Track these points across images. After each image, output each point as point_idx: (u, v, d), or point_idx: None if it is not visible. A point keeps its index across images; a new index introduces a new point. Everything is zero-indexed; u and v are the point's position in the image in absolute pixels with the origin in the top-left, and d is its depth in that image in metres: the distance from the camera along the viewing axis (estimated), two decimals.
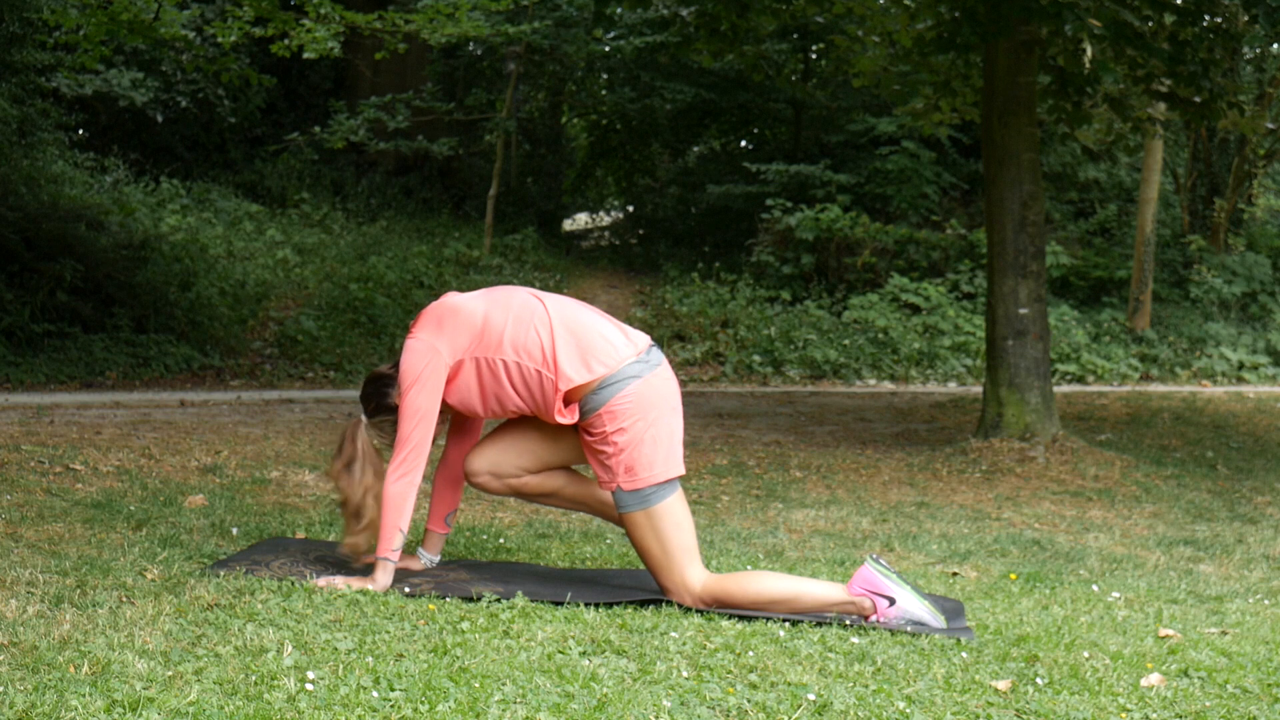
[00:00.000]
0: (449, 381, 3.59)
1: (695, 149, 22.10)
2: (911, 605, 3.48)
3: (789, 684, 2.83)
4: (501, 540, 4.57)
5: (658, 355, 3.64)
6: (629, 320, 14.78)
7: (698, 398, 10.92)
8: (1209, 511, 6.43)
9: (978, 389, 11.94)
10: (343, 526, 3.79)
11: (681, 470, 3.59)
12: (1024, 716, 2.76)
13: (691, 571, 3.52)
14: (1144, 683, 3.04)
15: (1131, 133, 10.61)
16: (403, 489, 3.55)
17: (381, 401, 3.69)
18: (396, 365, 3.69)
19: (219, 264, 13.00)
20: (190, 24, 12.89)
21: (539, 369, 3.53)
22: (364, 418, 3.72)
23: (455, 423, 3.89)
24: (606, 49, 18.77)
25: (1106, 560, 4.98)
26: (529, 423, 3.77)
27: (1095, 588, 4.36)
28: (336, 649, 2.87)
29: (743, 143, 21.18)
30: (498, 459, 3.77)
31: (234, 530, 4.31)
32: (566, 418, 3.56)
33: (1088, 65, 7.83)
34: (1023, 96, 8.07)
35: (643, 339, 3.65)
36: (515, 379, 3.56)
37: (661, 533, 3.51)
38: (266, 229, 15.14)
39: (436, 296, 3.86)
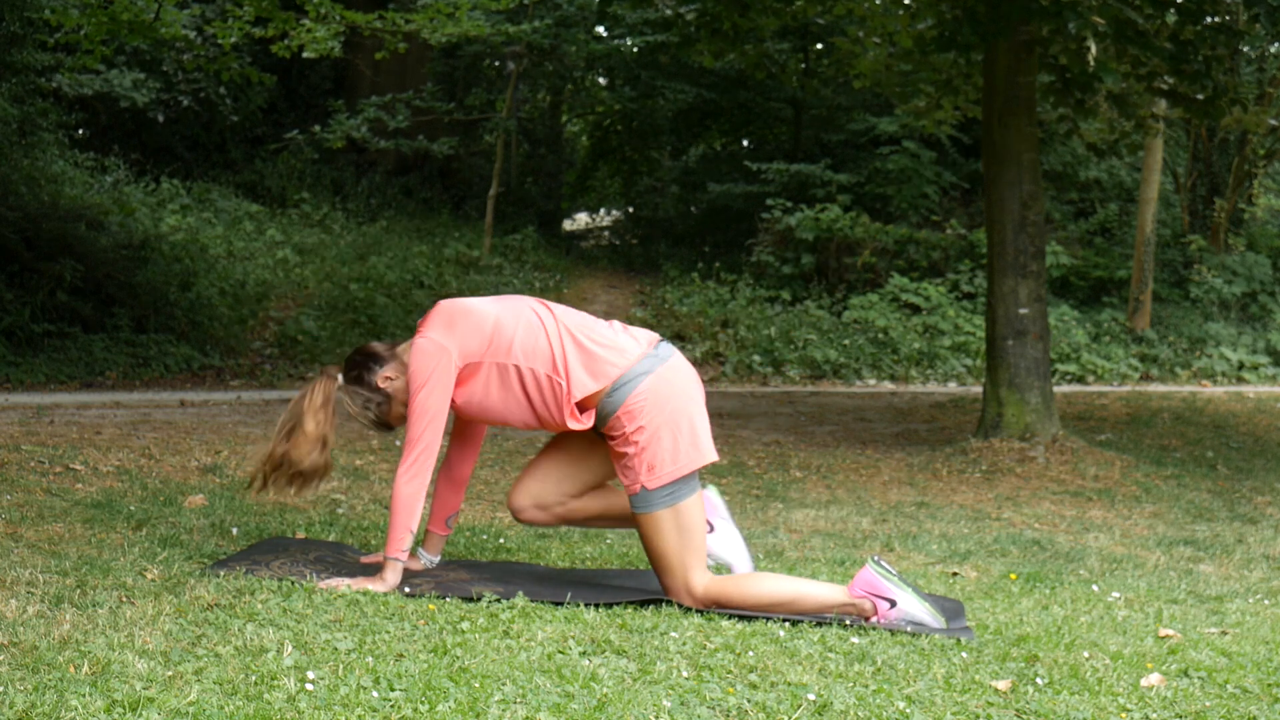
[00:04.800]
0: (457, 384, 3.59)
1: (695, 149, 22.10)
2: (912, 607, 3.48)
3: (789, 684, 2.83)
4: (501, 540, 4.57)
5: (668, 349, 3.63)
6: (629, 320, 14.78)
7: None
8: (1209, 511, 6.43)
9: (978, 389, 11.93)
10: (264, 474, 3.64)
11: (708, 458, 3.55)
12: (1024, 716, 2.76)
13: (697, 574, 3.52)
14: (1144, 683, 3.04)
15: (1135, 130, 10.61)
16: (415, 490, 3.55)
17: (363, 374, 3.66)
18: (391, 347, 3.70)
19: (219, 264, 13.00)
20: (190, 24, 12.89)
21: (549, 374, 3.54)
22: (339, 378, 3.68)
23: (457, 426, 3.89)
24: (605, 47, 18.75)
25: (1106, 560, 4.98)
26: (559, 447, 3.79)
27: (1095, 588, 4.36)
28: (336, 649, 2.87)
29: (744, 142, 21.19)
30: (539, 491, 3.77)
31: (234, 530, 4.31)
32: (580, 423, 3.55)
33: (1091, 63, 7.84)
34: (1023, 96, 8.07)
35: (651, 336, 3.66)
36: (528, 385, 3.55)
37: (682, 531, 3.50)
38: (266, 229, 15.14)
39: (437, 296, 3.84)
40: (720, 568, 3.84)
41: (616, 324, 3.69)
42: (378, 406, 3.68)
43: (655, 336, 3.66)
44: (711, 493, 3.89)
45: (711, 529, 3.79)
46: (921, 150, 17.03)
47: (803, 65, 18.62)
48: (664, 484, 3.49)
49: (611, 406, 3.52)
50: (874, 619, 3.48)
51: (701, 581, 3.52)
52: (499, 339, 3.56)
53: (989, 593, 4.17)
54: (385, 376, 3.67)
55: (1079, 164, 18.00)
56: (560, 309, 3.67)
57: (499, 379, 3.57)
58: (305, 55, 10.69)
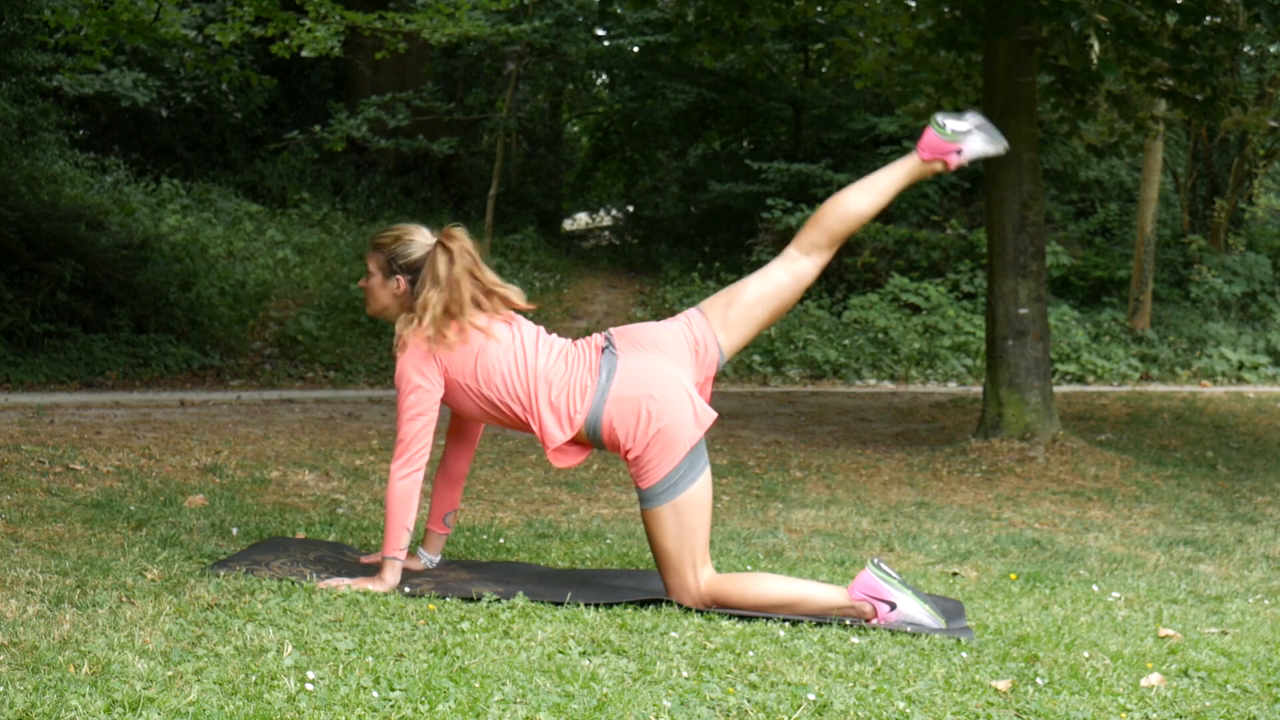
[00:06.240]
0: (446, 388, 3.60)
1: (696, 149, 22.09)
2: (912, 610, 3.48)
3: (789, 684, 2.83)
4: (501, 540, 4.57)
5: (609, 361, 3.56)
6: (629, 320, 14.80)
7: None
8: (1209, 511, 6.43)
9: (978, 389, 11.93)
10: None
11: (697, 435, 3.49)
12: (1024, 716, 2.76)
13: (699, 572, 3.52)
14: (1144, 683, 3.04)
15: (1136, 131, 10.63)
16: (408, 488, 3.55)
17: (398, 259, 3.67)
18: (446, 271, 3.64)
19: (219, 264, 13.00)
20: (190, 23, 12.89)
21: (525, 416, 3.57)
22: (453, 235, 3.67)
23: (453, 424, 3.89)
24: (606, 44, 18.75)
25: (1106, 560, 4.98)
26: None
27: (1095, 588, 4.36)
28: (336, 649, 2.87)
29: (744, 142, 21.19)
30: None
31: (234, 530, 4.31)
32: (566, 461, 3.58)
33: (1094, 62, 7.84)
34: (1023, 96, 8.07)
35: (596, 361, 3.58)
36: (507, 417, 3.60)
37: (683, 529, 3.49)
38: (266, 229, 15.14)
39: None
40: None
41: (579, 355, 3.61)
42: (397, 283, 3.67)
43: (597, 359, 3.58)
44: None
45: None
46: None
47: (803, 65, 18.62)
48: (658, 480, 3.49)
49: (596, 435, 3.55)
50: (874, 621, 3.48)
51: (702, 579, 3.52)
52: (480, 368, 3.56)
53: (989, 593, 4.17)
54: (400, 281, 3.66)
55: (1079, 164, 18.00)
56: (542, 346, 3.61)
57: (477, 401, 3.60)
58: (305, 55, 10.69)
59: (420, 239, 3.69)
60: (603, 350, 3.60)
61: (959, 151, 3.76)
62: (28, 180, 11.36)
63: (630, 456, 3.52)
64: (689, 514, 3.50)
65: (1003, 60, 8.07)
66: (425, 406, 3.56)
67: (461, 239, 3.65)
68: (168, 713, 2.40)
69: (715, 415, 3.57)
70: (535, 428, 3.56)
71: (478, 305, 3.62)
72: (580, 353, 3.62)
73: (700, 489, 3.51)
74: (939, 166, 3.78)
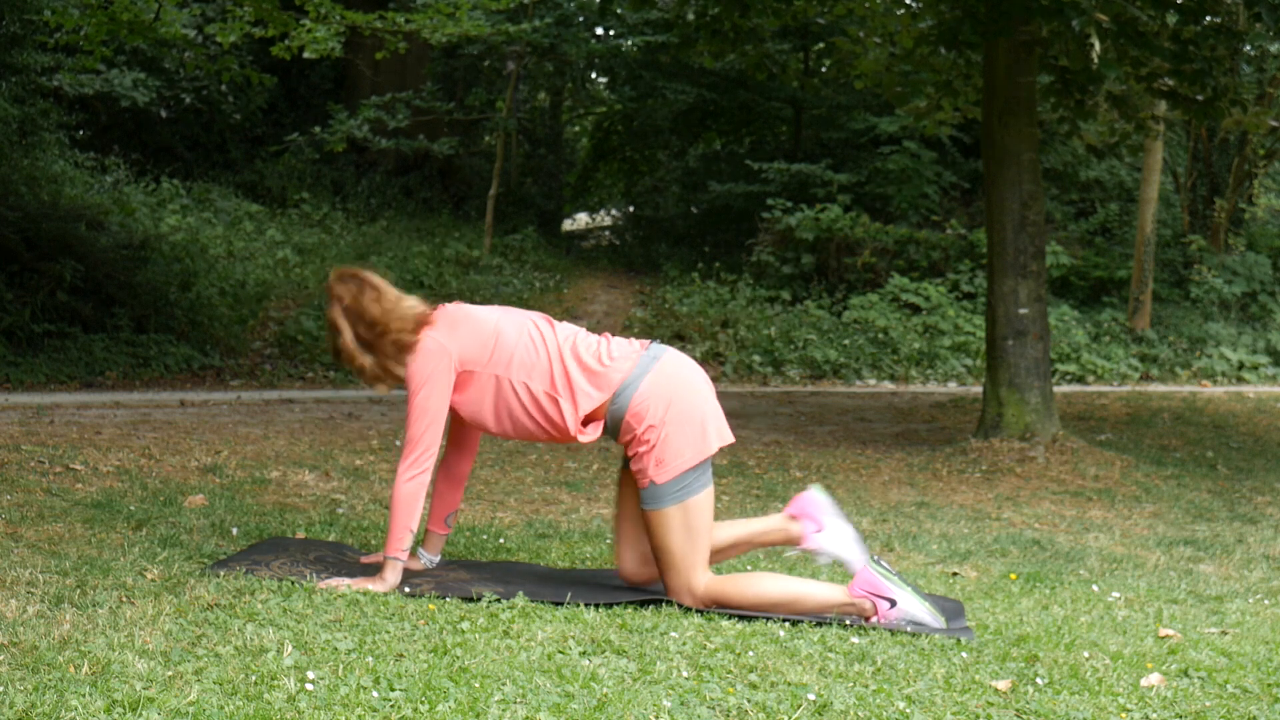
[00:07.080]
0: (457, 390, 3.60)
1: (696, 149, 22.09)
2: (912, 607, 3.48)
3: (789, 684, 2.83)
4: (501, 540, 4.57)
5: (659, 348, 3.66)
6: (629, 320, 14.80)
7: None
8: (1209, 511, 6.43)
9: (978, 389, 11.93)
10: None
11: (714, 447, 3.57)
12: (1024, 716, 2.76)
13: (699, 574, 3.53)
14: (1144, 683, 3.04)
15: (1136, 132, 10.62)
16: (414, 489, 3.56)
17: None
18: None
19: (219, 264, 13.00)
20: (190, 23, 12.89)
21: (548, 391, 3.56)
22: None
23: (454, 426, 3.89)
24: (605, 47, 18.75)
25: (1106, 560, 4.98)
26: (629, 510, 3.74)
27: (1095, 588, 4.36)
28: (336, 649, 2.87)
29: (744, 142, 21.19)
30: (645, 548, 3.71)
31: (234, 530, 4.31)
32: (586, 435, 3.58)
33: (1095, 61, 7.84)
34: (1023, 96, 8.07)
35: (642, 341, 3.71)
36: (525, 402, 3.59)
37: (690, 530, 3.50)
38: (266, 229, 15.14)
39: (437, 297, 3.85)
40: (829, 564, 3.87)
41: (608, 337, 3.74)
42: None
43: (646, 341, 3.71)
44: (817, 492, 3.86)
45: (821, 528, 3.73)
46: (922, 150, 17.03)
47: (803, 65, 18.61)
48: (673, 477, 3.49)
49: (618, 413, 3.55)
50: (874, 619, 3.48)
51: (703, 581, 3.52)
52: (499, 352, 3.58)
53: (989, 593, 4.17)
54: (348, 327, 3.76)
55: (1079, 164, 18.00)
56: (559, 326, 3.70)
57: (496, 391, 3.60)
58: (305, 56, 10.68)
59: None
60: (650, 342, 3.70)
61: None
62: (28, 180, 11.35)
63: (647, 439, 3.51)
64: (696, 517, 3.52)
65: (1003, 60, 8.07)
66: (434, 408, 3.57)
67: (337, 276, 3.82)
68: (168, 713, 2.40)
69: (732, 439, 3.71)
70: (564, 400, 3.56)
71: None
72: (623, 339, 3.72)
73: (707, 496, 3.56)
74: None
